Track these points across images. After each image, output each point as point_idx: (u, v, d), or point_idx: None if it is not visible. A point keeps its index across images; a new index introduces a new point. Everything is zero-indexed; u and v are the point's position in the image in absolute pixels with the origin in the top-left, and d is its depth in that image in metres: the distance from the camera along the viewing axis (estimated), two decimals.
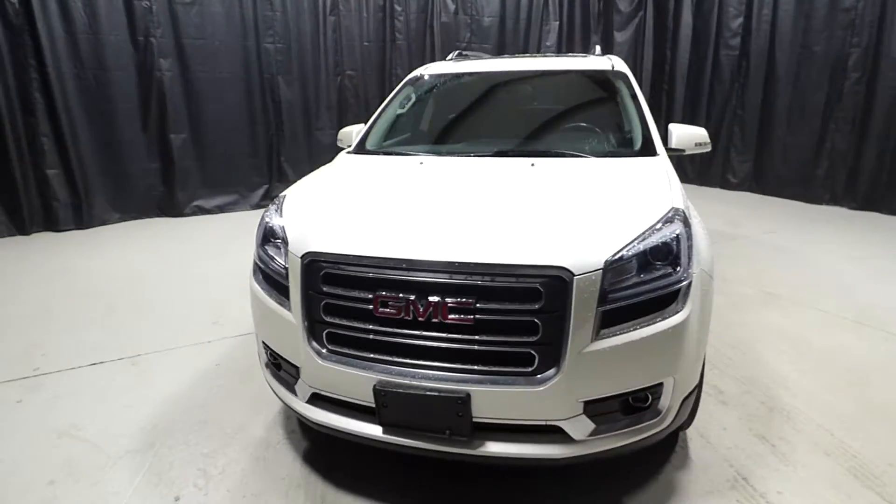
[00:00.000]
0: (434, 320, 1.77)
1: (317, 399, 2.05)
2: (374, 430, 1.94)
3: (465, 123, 3.30)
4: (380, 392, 1.86)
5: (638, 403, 1.92)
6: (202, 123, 6.80)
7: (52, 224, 6.24)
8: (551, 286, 1.71)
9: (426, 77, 3.50)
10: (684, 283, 1.87)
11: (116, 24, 6.26)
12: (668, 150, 2.91)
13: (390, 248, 1.86)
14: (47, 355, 3.41)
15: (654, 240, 1.87)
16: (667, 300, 1.85)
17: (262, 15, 6.93)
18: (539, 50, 8.52)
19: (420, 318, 1.78)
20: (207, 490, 2.23)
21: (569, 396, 1.78)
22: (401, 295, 1.79)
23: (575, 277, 1.71)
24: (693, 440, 2.48)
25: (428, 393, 1.81)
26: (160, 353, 3.39)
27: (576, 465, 1.96)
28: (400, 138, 3.14)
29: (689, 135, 2.93)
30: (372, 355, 1.88)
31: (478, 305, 1.75)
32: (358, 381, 1.89)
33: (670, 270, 1.86)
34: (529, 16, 8.42)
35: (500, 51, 8.21)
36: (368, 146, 3.06)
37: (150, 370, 3.20)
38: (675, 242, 1.90)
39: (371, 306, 1.83)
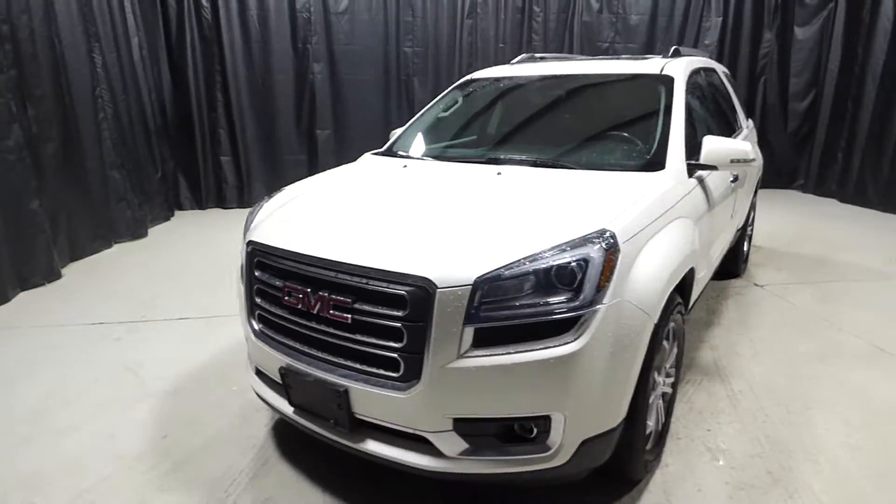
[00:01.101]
0: (322, 314, 1.88)
1: (258, 373, 2.29)
2: (288, 409, 2.12)
3: (484, 128, 3.27)
4: (284, 374, 2.03)
5: (523, 433, 1.80)
6: (344, 121, 7.57)
7: (221, 202, 7.53)
8: (416, 296, 1.70)
9: (472, 82, 3.53)
10: (583, 312, 1.70)
11: (282, 33, 7.27)
12: (696, 165, 2.56)
13: (299, 243, 2.00)
14: (157, 307, 4.20)
15: (552, 262, 1.73)
16: (559, 327, 1.70)
17: (403, 21, 7.44)
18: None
19: (312, 311, 1.90)
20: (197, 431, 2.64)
21: (433, 409, 1.75)
22: (299, 287, 1.93)
23: (437, 290, 1.68)
24: (651, 492, 2.19)
25: (316, 381, 1.93)
26: (231, 318, 3.97)
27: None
28: (427, 141, 3.23)
29: (723, 150, 2.53)
30: (281, 339, 2.06)
31: (355, 305, 1.81)
32: (273, 362, 2.08)
33: (568, 296, 1.71)
34: (686, 12, 7.71)
35: (647, 51, 7.66)
36: (395, 148, 3.21)
37: (216, 331, 3.77)
38: (578, 267, 1.73)
39: (280, 294, 2.01)
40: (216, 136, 7.38)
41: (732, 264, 4.42)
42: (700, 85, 3.29)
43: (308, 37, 7.30)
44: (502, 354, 1.69)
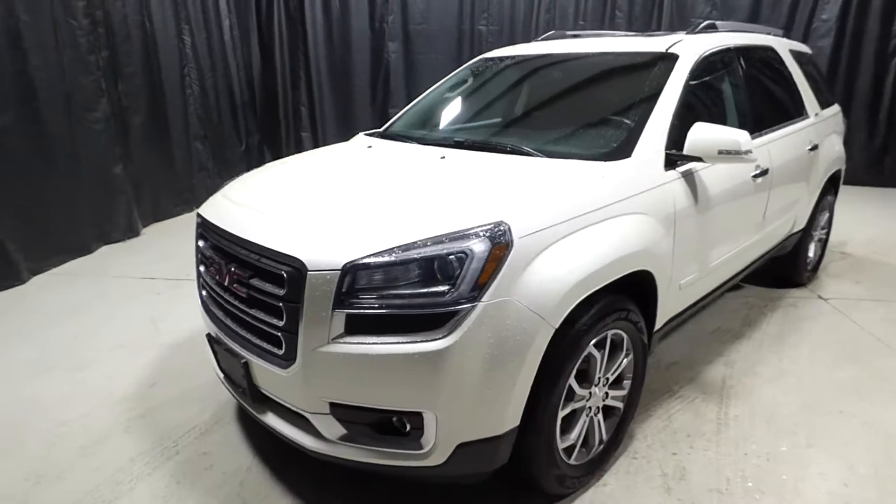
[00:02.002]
0: (230, 287, 1.95)
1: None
2: (220, 374, 2.24)
3: (468, 110, 3.13)
4: (211, 341, 2.14)
5: (400, 427, 1.75)
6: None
7: None
8: (291, 276, 1.70)
9: (482, 61, 3.39)
10: (457, 308, 1.60)
11: (360, 12, 7.46)
12: (677, 156, 2.27)
13: (223, 218, 2.08)
14: None
15: (427, 252, 1.64)
16: (431, 322, 1.62)
17: None
18: (809, 28, 6.80)
19: (224, 283, 1.98)
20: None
21: (309, 391, 1.76)
22: (217, 259, 2.02)
23: (308, 273, 1.66)
24: None
25: (228, 350, 2.01)
26: None
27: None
28: (413, 121, 3.16)
29: (708, 139, 2.22)
30: (210, 307, 2.17)
31: (250, 281, 1.85)
32: (208, 328, 2.20)
33: (442, 290, 1.62)
34: None
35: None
36: (391, 127, 3.19)
37: None
38: (456, 260, 1.63)
39: (208, 265, 2.11)
40: (298, 113, 7.80)
41: (791, 272, 3.90)
42: (730, 66, 2.89)
43: (385, 16, 7.43)
44: (372, 344, 1.64)
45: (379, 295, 1.65)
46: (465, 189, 2.04)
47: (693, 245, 2.42)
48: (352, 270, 1.65)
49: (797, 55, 3.72)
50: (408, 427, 1.73)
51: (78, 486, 2.20)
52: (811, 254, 4.02)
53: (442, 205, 1.89)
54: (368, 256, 1.65)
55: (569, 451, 2.02)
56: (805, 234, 3.77)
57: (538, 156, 2.26)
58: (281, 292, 1.75)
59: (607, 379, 2.12)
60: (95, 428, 2.55)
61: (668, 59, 2.56)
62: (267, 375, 1.88)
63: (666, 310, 2.37)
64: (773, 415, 2.60)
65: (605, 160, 2.17)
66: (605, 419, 2.17)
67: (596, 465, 2.17)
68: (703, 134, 2.24)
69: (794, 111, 3.48)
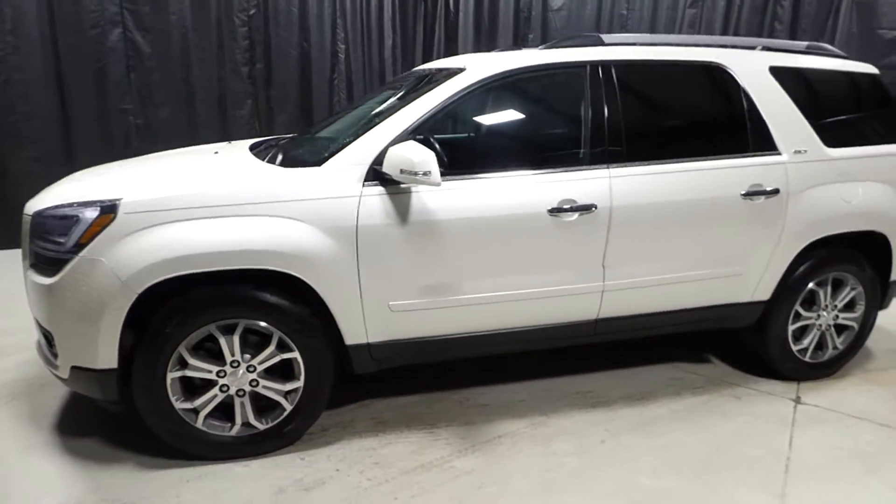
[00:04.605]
0: None
1: None
2: None
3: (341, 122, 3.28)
4: None
5: (50, 340, 2.26)
6: None
7: None
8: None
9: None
10: (64, 257, 2.08)
11: (507, 29, 7.75)
12: (381, 173, 2.23)
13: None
14: None
15: (61, 213, 2.14)
16: (53, 264, 2.12)
17: (618, 14, 6.91)
18: None
19: None
20: None
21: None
22: None
23: (23, 216, 2.32)
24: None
25: None
26: None
27: None
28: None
29: (398, 157, 2.13)
30: None
31: None
32: None
33: (62, 241, 2.10)
34: None
35: None
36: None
37: None
38: (72, 221, 2.09)
39: None
40: None
41: (764, 355, 3.02)
42: (572, 85, 2.53)
43: (526, 34, 7.59)
44: (34, 275, 2.22)
45: (41, 237, 2.20)
46: (165, 173, 2.48)
47: (410, 267, 2.30)
48: (34, 217, 2.24)
49: (791, 74, 2.85)
50: (53, 343, 2.25)
51: None
52: (807, 340, 3.00)
53: (127, 181, 2.35)
54: (38, 210, 2.23)
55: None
56: (776, 309, 2.88)
57: (291, 160, 2.50)
58: None
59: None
60: None
61: (455, 74, 2.45)
62: None
63: (372, 328, 2.34)
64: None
65: (303, 167, 2.31)
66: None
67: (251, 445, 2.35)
68: (396, 151, 2.16)
69: (736, 144, 2.71)
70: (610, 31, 6.98)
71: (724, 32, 6.32)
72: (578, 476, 2.32)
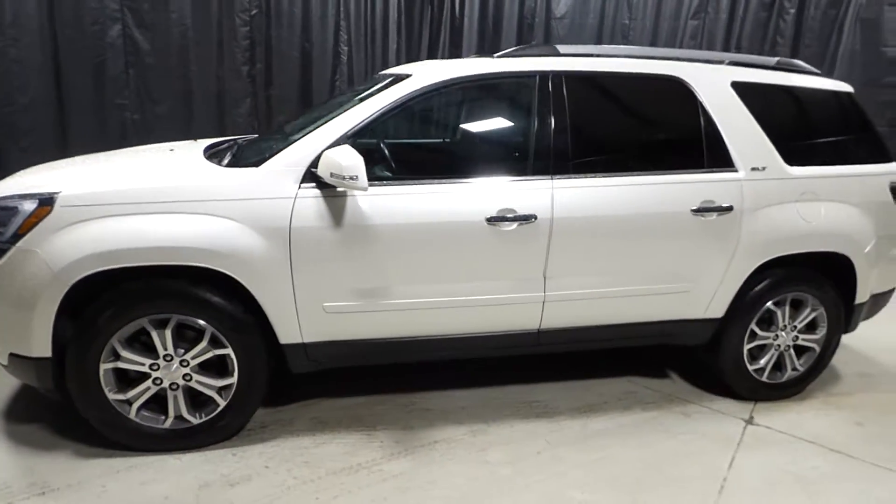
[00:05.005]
0: None
1: None
2: None
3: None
4: None
5: None
6: None
7: None
8: None
9: None
10: (1, 247, 2.14)
11: (510, 37, 7.75)
12: (316, 175, 2.26)
13: None
14: None
15: (3, 203, 2.19)
16: None
17: (620, 23, 6.88)
18: None
19: None
20: None
21: None
22: None
23: None
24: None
25: None
26: None
27: None
28: None
29: (330, 161, 2.16)
30: None
31: None
32: None
33: (1, 231, 2.16)
34: None
35: None
36: None
37: None
38: (10, 212, 2.14)
39: None
40: None
41: (719, 374, 2.97)
42: (520, 94, 2.53)
43: (528, 41, 7.58)
44: None
45: None
46: (110, 169, 2.54)
47: (344, 270, 2.32)
48: None
49: (755, 90, 2.80)
50: None
51: None
52: (764, 360, 2.94)
53: (71, 176, 2.41)
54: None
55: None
56: (731, 327, 2.83)
57: (243, 159, 2.55)
58: None
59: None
60: None
61: (399, 80, 2.47)
62: None
63: (307, 328, 2.36)
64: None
65: (245, 167, 2.35)
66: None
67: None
68: (329, 155, 2.19)
69: (690, 159, 2.67)
70: (612, 40, 6.95)
71: (726, 45, 6.24)
72: (506, 485, 2.31)
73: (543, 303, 2.57)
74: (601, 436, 2.66)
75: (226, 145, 2.96)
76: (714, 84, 2.78)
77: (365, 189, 2.15)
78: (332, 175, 2.16)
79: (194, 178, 2.33)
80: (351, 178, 2.11)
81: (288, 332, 2.37)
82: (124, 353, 2.25)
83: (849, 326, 3.05)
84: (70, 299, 2.16)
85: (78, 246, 2.11)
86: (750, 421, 2.84)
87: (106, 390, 2.27)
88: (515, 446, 2.56)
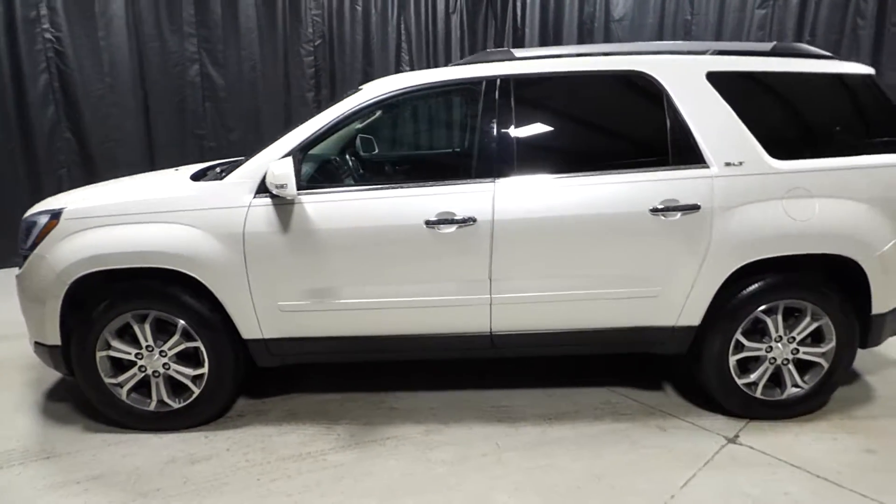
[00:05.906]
0: None
1: None
2: None
3: None
4: None
5: None
6: None
7: None
8: None
9: None
10: (26, 254, 2.63)
11: (571, 40, 7.66)
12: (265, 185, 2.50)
13: None
14: None
15: (29, 219, 2.68)
16: (23, 259, 2.69)
17: (682, 20, 6.54)
18: None
19: None
20: None
21: None
22: None
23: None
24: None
25: None
26: None
27: None
28: None
29: (269, 173, 2.39)
30: None
31: None
32: None
33: (27, 245, 2.66)
34: None
35: None
36: None
37: None
38: (33, 225, 2.63)
39: None
40: None
41: (705, 385, 2.77)
42: (471, 100, 2.57)
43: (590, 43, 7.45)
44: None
45: (21, 238, 2.77)
46: (112, 189, 2.95)
47: (294, 272, 2.52)
48: (21, 223, 2.84)
49: (736, 79, 2.60)
50: None
51: None
52: (755, 374, 2.68)
53: (82, 194, 2.85)
54: (24, 217, 2.80)
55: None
56: (711, 336, 2.63)
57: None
58: None
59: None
60: None
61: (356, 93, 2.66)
62: None
63: (266, 325, 2.59)
64: None
65: (209, 181, 2.66)
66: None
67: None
68: (271, 167, 2.40)
69: (652, 156, 2.54)
70: (674, 37, 6.61)
71: (799, 32, 5.70)
72: (435, 483, 2.35)
73: (490, 305, 2.58)
74: (556, 443, 2.59)
75: (228, 163, 3.32)
76: (685, 76, 2.63)
77: (293, 196, 2.35)
78: (272, 184, 2.39)
79: (168, 192, 2.68)
80: (279, 186, 2.32)
81: (249, 328, 2.62)
82: (114, 343, 2.64)
83: (868, 340, 2.68)
84: (76, 297, 2.58)
85: (74, 252, 2.53)
86: (733, 440, 2.60)
87: (102, 375, 2.67)
88: (464, 448, 2.58)
